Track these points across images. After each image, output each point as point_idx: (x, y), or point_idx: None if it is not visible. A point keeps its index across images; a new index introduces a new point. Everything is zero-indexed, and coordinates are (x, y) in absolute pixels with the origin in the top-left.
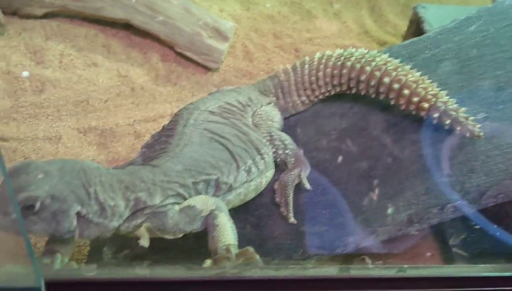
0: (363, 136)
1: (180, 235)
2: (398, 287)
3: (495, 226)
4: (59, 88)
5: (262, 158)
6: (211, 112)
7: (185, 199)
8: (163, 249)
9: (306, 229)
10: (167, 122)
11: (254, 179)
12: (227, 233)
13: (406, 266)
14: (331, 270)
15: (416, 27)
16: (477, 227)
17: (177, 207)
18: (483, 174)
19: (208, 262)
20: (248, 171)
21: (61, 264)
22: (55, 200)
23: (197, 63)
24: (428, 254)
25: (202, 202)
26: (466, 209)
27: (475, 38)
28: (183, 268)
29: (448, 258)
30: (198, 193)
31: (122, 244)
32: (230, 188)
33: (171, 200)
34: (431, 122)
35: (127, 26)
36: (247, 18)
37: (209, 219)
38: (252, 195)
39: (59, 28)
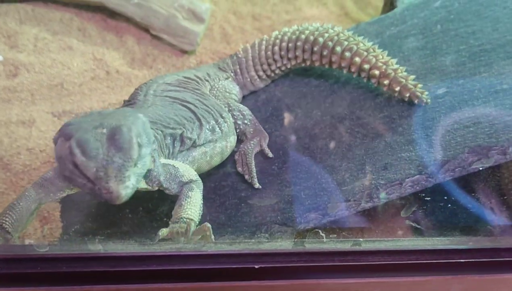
0: (324, 114)
1: (156, 188)
2: (353, 260)
3: (452, 199)
4: (33, 72)
5: (225, 121)
6: (169, 84)
7: (160, 148)
8: (114, 223)
9: (268, 206)
10: None
11: (219, 140)
12: (194, 208)
13: (361, 239)
14: (285, 244)
15: (390, 5)
16: (430, 200)
17: (162, 159)
18: (442, 148)
19: (164, 231)
20: (212, 130)
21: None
22: None
23: (173, 46)
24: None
25: (186, 169)
26: (424, 183)
27: (440, 14)
28: (135, 243)
29: (405, 231)
30: (167, 148)
31: (72, 221)
32: (195, 144)
33: (154, 146)
34: (392, 99)
35: (102, 9)
36: (225, 0)
37: (185, 188)
38: (217, 159)
39: (34, 12)
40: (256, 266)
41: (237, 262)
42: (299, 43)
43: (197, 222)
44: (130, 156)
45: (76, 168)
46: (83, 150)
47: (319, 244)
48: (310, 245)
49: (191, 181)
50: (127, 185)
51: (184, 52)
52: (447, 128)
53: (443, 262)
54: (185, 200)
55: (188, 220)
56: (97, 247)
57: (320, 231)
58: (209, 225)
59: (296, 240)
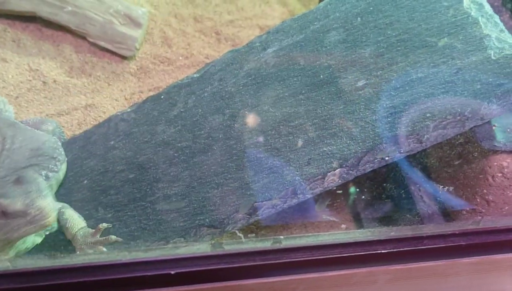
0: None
1: None
2: (275, 258)
3: (372, 190)
4: None
5: None
6: None
7: None
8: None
9: (196, 209)
10: (81, 114)
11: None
12: (76, 221)
13: (282, 237)
14: (203, 247)
15: None
16: (350, 192)
17: None
18: (361, 140)
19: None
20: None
21: None
22: None
23: (112, 52)
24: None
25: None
26: (345, 176)
27: (360, 6)
28: (46, 258)
29: (329, 226)
30: None
31: None
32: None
33: None
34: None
35: (36, 19)
36: (166, 3)
37: (59, 216)
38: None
39: None
40: (172, 272)
41: (152, 269)
42: None
43: (86, 226)
44: None
45: None
46: None
47: (239, 244)
48: (229, 246)
49: (59, 209)
50: None
51: (124, 58)
52: (366, 120)
53: (366, 254)
54: (66, 222)
55: (80, 230)
56: (5, 264)
57: (237, 231)
58: (104, 224)
59: (213, 242)
